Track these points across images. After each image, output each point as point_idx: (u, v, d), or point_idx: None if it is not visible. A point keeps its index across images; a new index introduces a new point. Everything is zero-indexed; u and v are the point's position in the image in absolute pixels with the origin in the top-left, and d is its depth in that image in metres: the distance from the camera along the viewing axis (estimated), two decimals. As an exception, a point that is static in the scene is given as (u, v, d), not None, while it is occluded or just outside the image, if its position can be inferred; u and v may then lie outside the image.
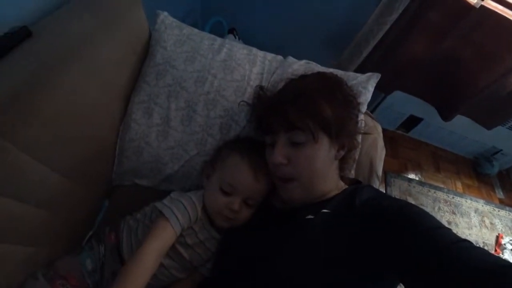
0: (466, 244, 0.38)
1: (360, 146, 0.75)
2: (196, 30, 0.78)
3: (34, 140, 0.46)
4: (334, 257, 0.45)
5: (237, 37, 1.40)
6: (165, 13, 0.77)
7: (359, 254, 0.44)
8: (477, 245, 0.39)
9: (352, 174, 0.74)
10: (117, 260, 0.56)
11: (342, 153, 0.59)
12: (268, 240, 0.54)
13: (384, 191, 1.57)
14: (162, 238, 0.51)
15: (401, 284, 0.44)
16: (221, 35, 0.85)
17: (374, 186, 0.77)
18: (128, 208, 0.71)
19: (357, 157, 0.74)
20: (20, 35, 0.54)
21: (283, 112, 0.54)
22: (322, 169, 0.56)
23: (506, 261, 0.35)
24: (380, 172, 0.82)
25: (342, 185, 0.62)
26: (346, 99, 0.60)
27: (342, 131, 0.56)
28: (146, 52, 0.74)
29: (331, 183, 0.59)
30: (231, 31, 1.39)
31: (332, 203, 0.54)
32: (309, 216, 0.52)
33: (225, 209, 0.56)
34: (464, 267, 0.35)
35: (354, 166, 0.74)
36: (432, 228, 0.41)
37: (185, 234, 0.56)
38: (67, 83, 0.51)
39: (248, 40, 1.41)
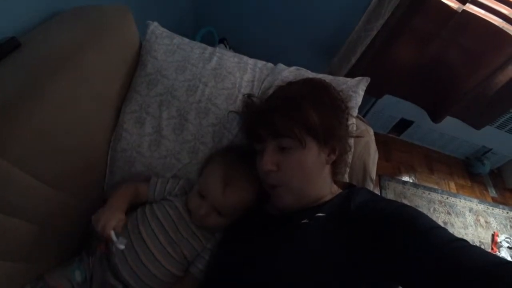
0: (462, 244, 0.38)
1: (352, 150, 0.76)
2: (186, 40, 0.79)
3: (23, 151, 0.45)
4: (331, 260, 0.45)
5: (227, 46, 1.42)
6: (155, 23, 0.78)
7: (357, 256, 0.44)
8: (474, 244, 0.39)
9: (345, 178, 0.74)
10: (106, 269, 0.54)
11: (333, 157, 0.59)
12: (264, 245, 0.53)
13: (379, 194, 1.58)
14: (136, 188, 0.63)
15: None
16: (212, 45, 0.86)
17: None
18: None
19: (350, 161, 0.75)
20: (9, 46, 0.54)
21: (269, 120, 0.55)
22: (312, 174, 0.56)
23: (503, 259, 0.35)
24: (373, 175, 0.82)
25: (336, 189, 0.62)
26: (334, 104, 0.60)
27: (331, 136, 0.57)
28: (136, 62, 0.74)
29: (324, 188, 0.59)
30: (221, 41, 1.41)
31: (327, 207, 0.54)
32: (305, 221, 0.52)
33: (196, 210, 0.58)
34: (462, 267, 0.35)
35: (348, 170, 0.74)
36: (428, 229, 0.41)
37: (180, 228, 0.59)
38: (56, 93, 0.51)
39: (239, 49, 1.42)
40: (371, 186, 0.80)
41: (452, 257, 0.36)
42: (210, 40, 1.45)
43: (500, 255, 1.45)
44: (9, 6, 0.56)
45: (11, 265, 0.47)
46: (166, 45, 0.75)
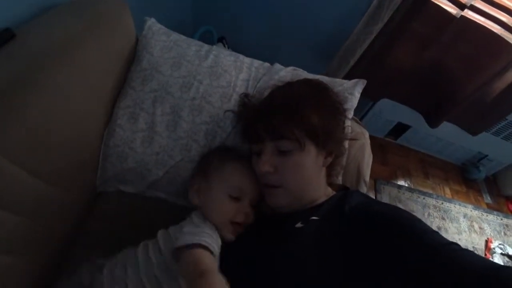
0: (455, 247, 0.39)
1: (347, 152, 0.76)
2: (183, 37, 0.78)
3: (15, 144, 0.45)
4: (326, 264, 0.45)
5: (226, 46, 1.41)
6: (153, 20, 0.78)
7: (351, 260, 0.44)
8: (465, 248, 0.40)
9: (339, 180, 0.74)
10: None
11: (329, 160, 0.59)
12: (259, 251, 0.53)
13: (374, 198, 1.58)
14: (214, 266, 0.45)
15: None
16: (211, 44, 0.85)
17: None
18: (112, 215, 0.70)
19: (344, 163, 0.75)
20: (3, 37, 0.53)
21: (269, 122, 0.54)
22: (309, 177, 0.56)
23: (495, 263, 0.36)
24: (367, 178, 0.82)
25: (330, 192, 0.62)
26: (333, 106, 0.60)
27: (329, 138, 0.56)
28: (132, 57, 0.74)
29: (319, 190, 0.59)
30: (220, 40, 1.40)
31: (321, 210, 0.54)
32: (299, 225, 0.52)
33: (238, 214, 0.56)
34: (454, 271, 0.36)
35: (342, 172, 0.74)
36: (423, 232, 0.41)
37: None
38: (50, 86, 0.50)
39: (238, 49, 1.42)
40: (364, 189, 0.80)
41: (445, 261, 0.37)
42: (208, 39, 1.44)
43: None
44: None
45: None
46: (163, 41, 0.74)
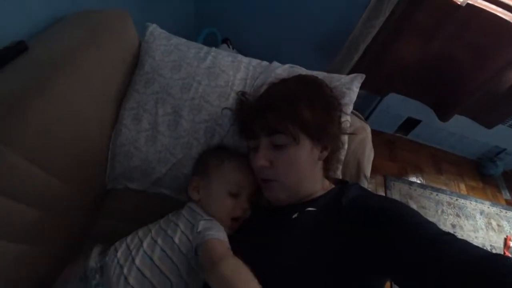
0: (449, 238, 0.39)
1: (346, 147, 0.76)
2: (183, 40, 0.82)
3: (28, 143, 0.50)
4: (321, 255, 0.46)
5: (231, 47, 1.44)
6: (154, 25, 0.81)
7: (347, 251, 0.45)
8: (461, 238, 0.39)
9: (338, 174, 0.74)
10: None
11: (325, 154, 0.60)
12: (256, 242, 0.54)
13: (384, 195, 1.55)
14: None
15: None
16: (215, 46, 0.87)
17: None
18: (119, 211, 0.74)
19: (342, 158, 0.75)
20: (17, 49, 0.59)
21: (263, 117, 0.56)
22: (305, 171, 0.57)
23: (488, 252, 0.36)
24: (368, 172, 0.81)
25: (328, 185, 0.63)
26: (327, 101, 0.61)
27: (324, 133, 0.57)
28: (136, 61, 0.78)
29: (316, 184, 0.60)
30: (224, 41, 1.43)
31: (318, 203, 0.55)
32: (295, 215, 0.53)
33: (237, 210, 0.59)
34: (446, 262, 0.36)
35: (340, 167, 0.75)
36: (418, 223, 0.42)
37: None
38: (59, 91, 0.55)
39: (242, 49, 1.45)
40: (365, 184, 0.80)
41: (439, 252, 0.37)
42: (213, 41, 1.48)
43: None
44: (16, 13, 0.61)
45: (13, 246, 0.51)
46: (164, 45, 0.78)
